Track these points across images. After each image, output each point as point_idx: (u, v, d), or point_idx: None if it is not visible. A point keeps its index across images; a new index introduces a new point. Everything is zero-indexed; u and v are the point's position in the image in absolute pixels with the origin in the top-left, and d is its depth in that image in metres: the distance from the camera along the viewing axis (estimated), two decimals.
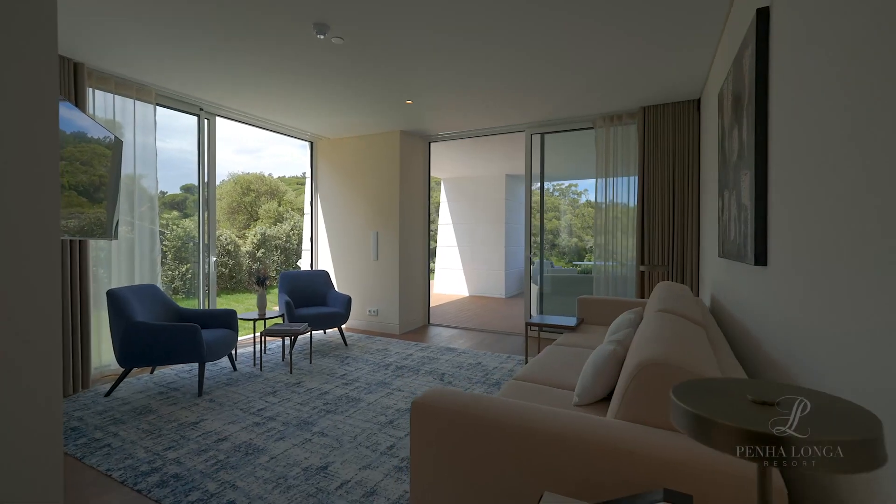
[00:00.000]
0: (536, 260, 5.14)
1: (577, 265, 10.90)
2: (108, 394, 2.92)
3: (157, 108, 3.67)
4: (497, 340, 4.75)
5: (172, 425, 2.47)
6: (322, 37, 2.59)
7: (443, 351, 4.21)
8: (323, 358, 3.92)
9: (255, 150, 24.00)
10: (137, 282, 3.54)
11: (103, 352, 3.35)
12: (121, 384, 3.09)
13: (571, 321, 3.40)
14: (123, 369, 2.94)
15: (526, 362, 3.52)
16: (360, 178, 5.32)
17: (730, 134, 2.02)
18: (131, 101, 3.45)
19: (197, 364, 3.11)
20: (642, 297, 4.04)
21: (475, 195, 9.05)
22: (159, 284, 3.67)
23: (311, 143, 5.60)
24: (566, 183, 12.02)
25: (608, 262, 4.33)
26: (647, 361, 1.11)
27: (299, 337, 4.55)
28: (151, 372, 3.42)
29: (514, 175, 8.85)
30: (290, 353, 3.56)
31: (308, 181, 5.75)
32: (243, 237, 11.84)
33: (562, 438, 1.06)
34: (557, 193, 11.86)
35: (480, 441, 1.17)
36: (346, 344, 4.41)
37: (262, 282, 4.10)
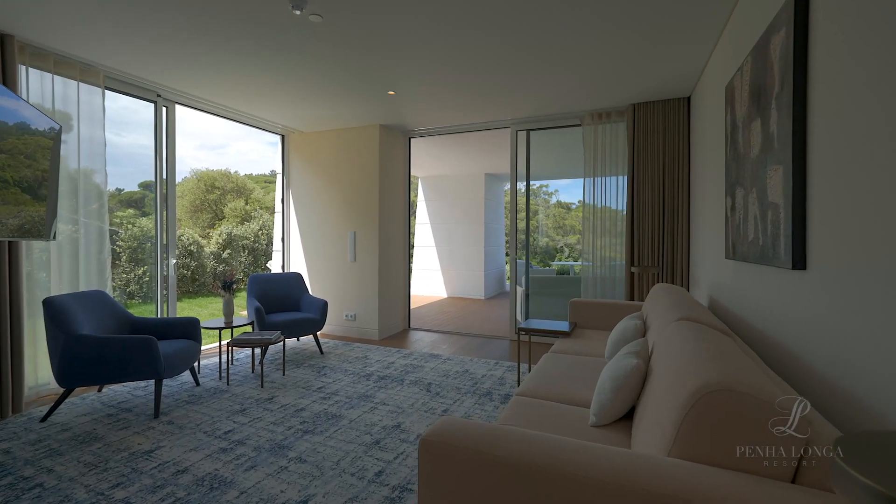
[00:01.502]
0: (520, 260, 4.99)
1: (553, 265, 10.91)
2: (44, 418, 2.52)
3: (107, 92, 3.26)
4: (482, 345, 4.56)
5: (122, 455, 2.13)
6: (298, 12, 2.31)
7: (426, 358, 3.97)
8: (297, 368, 3.61)
9: (219, 147, 22.97)
10: (83, 287, 3.12)
11: (41, 368, 2.92)
12: (61, 406, 2.69)
13: (564, 326, 3.25)
14: (64, 389, 2.56)
15: (518, 369, 3.33)
16: (336, 175, 5.01)
17: (746, 127, 1.89)
18: (75, 83, 3.03)
19: (153, 381, 2.76)
20: (632, 299, 3.95)
21: (454, 194, 8.84)
22: (109, 290, 3.26)
23: (283, 137, 5.24)
24: (537, 184, 12.07)
25: (596, 262, 4.22)
26: (709, 388, 0.92)
27: (270, 346, 4.20)
28: (99, 390, 3.02)
29: (494, 174, 8.70)
30: (261, 363, 3.23)
31: (279, 177, 5.38)
32: (207, 237, 11.16)
33: (617, 487, 0.86)
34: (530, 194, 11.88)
35: (506, 488, 0.96)
36: (321, 352, 4.10)
37: (228, 286, 3.73)
